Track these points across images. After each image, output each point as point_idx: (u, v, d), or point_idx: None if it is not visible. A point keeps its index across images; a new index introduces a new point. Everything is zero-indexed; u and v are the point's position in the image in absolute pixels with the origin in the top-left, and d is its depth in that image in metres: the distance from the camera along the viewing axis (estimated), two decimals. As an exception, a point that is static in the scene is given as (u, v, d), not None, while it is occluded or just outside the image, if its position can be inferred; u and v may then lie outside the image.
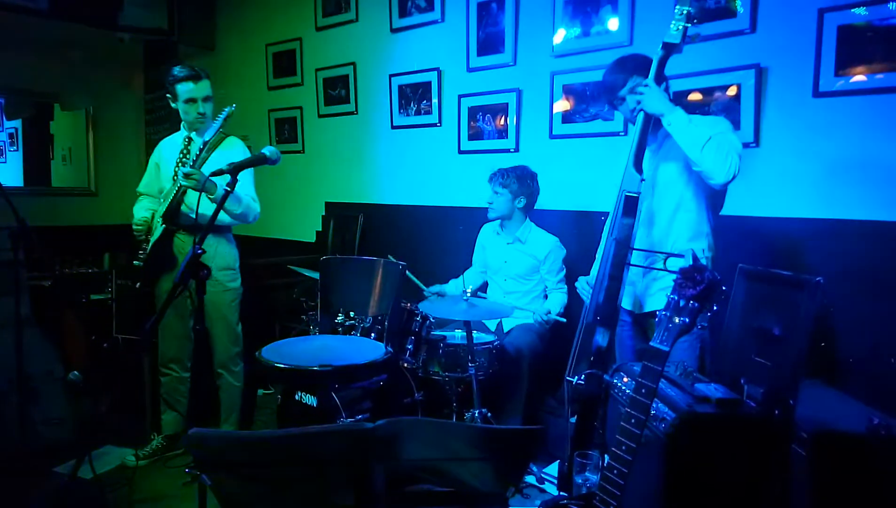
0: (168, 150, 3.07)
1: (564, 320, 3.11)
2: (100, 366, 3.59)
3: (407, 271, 3.01)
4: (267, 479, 1.19)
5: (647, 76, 2.19)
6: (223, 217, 2.88)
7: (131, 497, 2.70)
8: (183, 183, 2.68)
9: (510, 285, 3.27)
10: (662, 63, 2.12)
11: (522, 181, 3.17)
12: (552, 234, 3.24)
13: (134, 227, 2.96)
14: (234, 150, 2.95)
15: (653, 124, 2.23)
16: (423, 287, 3.32)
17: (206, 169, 2.65)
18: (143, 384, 3.49)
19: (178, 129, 3.08)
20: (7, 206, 2.53)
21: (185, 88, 2.89)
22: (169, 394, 3.10)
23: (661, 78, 2.18)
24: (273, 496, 1.21)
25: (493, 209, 3.23)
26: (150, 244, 2.89)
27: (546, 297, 3.26)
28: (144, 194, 3.15)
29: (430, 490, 1.27)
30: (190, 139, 2.98)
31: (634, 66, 2.26)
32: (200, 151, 2.80)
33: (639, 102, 2.17)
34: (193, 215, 2.83)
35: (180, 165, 2.93)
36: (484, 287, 3.50)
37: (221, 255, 2.99)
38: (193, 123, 2.96)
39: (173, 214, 2.85)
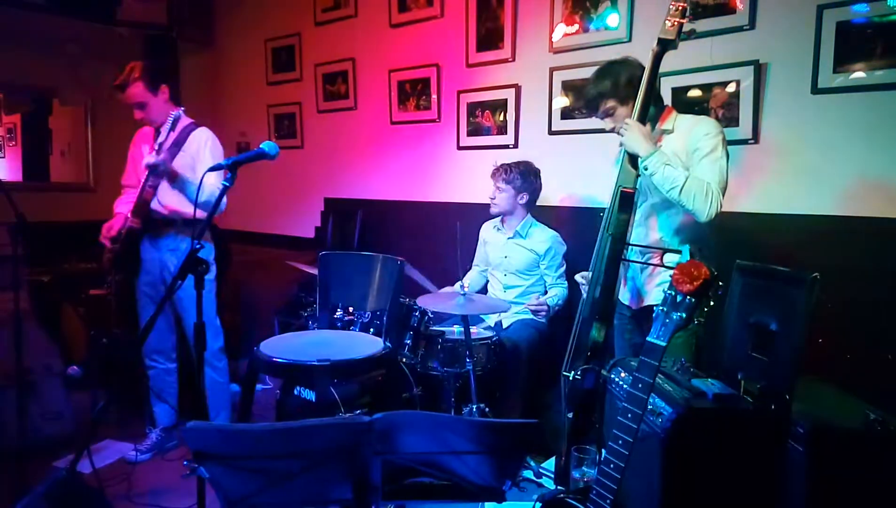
0: (143, 140, 3.09)
1: (561, 304, 3.12)
2: (99, 361, 3.59)
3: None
4: (265, 472, 1.19)
5: (619, 101, 2.21)
6: (188, 210, 2.85)
7: (130, 492, 2.71)
8: (148, 171, 2.69)
9: (510, 279, 3.27)
10: (658, 59, 2.12)
11: (526, 178, 3.16)
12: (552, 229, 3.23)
13: (102, 234, 2.94)
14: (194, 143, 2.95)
15: (649, 123, 2.23)
16: None
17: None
18: (142, 378, 3.50)
19: None
20: (6, 201, 2.53)
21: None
22: (157, 386, 3.12)
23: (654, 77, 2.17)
24: (271, 489, 1.21)
25: (495, 205, 3.22)
26: (120, 242, 2.89)
27: (546, 293, 3.25)
28: (127, 186, 3.15)
29: (428, 482, 1.28)
30: (158, 132, 2.97)
31: (611, 87, 2.25)
32: (165, 141, 2.78)
33: (620, 143, 2.17)
34: (164, 212, 2.85)
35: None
36: (485, 289, 3.50)
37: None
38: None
39: (143, 208, 2.84)
